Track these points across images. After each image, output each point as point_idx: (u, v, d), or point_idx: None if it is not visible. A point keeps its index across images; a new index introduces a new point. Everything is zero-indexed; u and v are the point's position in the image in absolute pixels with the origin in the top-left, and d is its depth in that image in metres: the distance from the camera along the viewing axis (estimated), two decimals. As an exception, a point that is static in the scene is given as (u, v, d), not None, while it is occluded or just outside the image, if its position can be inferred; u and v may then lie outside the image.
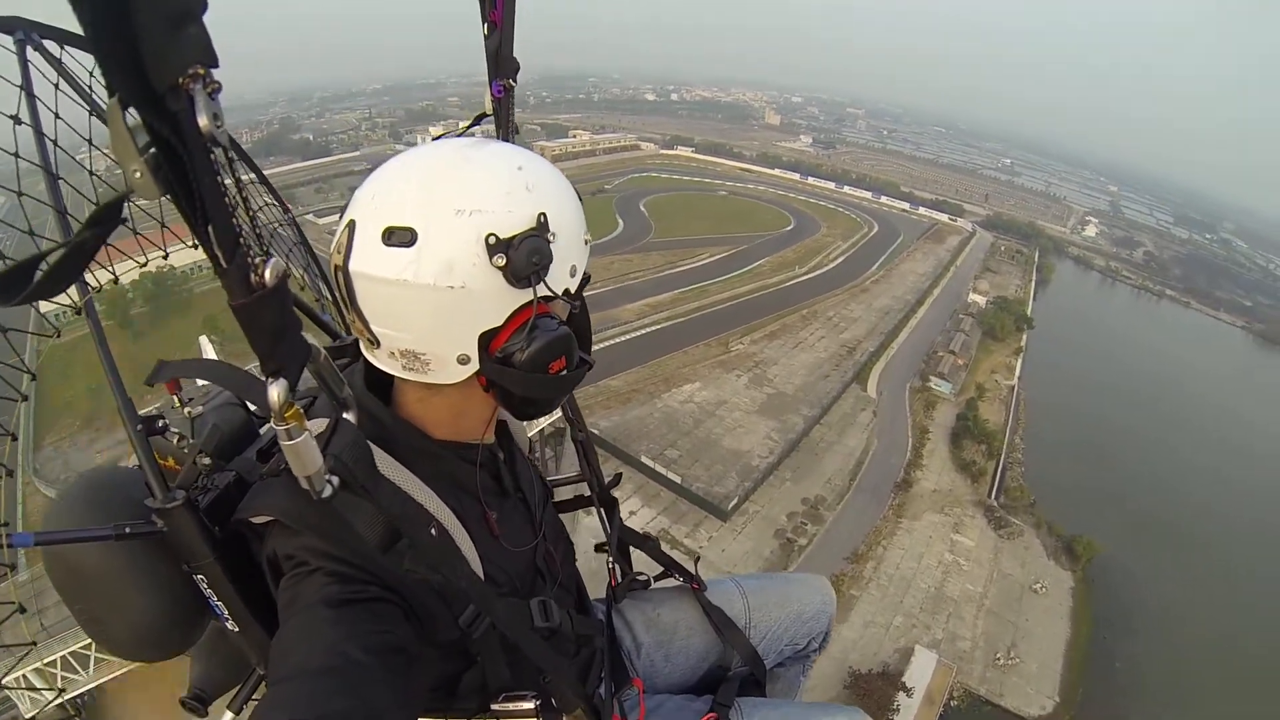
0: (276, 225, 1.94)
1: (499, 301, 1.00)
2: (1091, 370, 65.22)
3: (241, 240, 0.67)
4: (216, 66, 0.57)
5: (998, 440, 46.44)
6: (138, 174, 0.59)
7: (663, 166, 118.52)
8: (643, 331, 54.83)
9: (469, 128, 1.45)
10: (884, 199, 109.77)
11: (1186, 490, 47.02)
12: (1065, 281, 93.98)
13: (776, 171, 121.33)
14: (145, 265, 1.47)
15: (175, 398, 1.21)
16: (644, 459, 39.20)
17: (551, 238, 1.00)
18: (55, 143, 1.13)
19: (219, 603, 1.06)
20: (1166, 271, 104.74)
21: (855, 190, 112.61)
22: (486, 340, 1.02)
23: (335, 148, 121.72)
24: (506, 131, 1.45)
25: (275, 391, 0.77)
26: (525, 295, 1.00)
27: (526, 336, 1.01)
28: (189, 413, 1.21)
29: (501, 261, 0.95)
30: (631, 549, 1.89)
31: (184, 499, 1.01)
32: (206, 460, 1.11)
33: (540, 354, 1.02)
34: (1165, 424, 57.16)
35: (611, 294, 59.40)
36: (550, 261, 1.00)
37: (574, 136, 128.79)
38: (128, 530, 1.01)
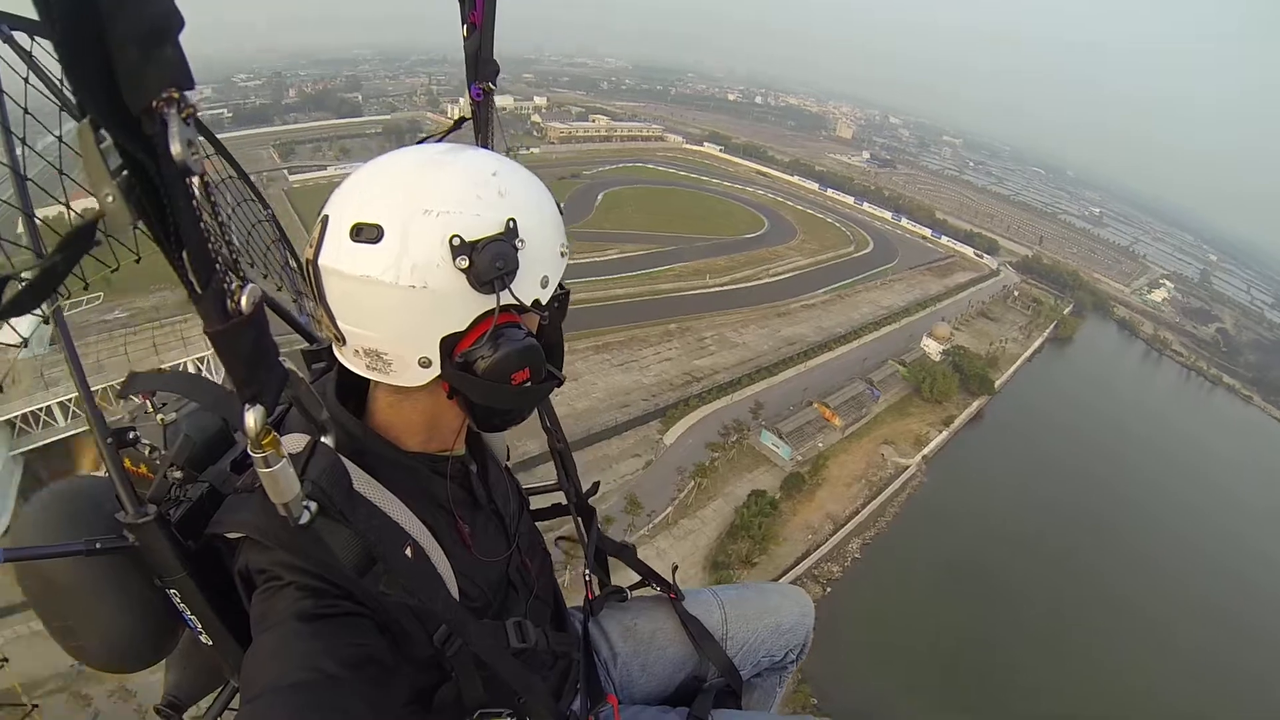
0: (256, 222, 1.86)
1: (462, 305, 0.98)
2: (1055, 470, 46.12)
3: (219, 266, 0.65)
4: (192, 88, 0.56)
5: (774, 542, 31.43)
6: (110, 199, 0.56)
7: (669, 160, 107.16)
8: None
9: (449, 132, 1.39)
10: (904, 221, 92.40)
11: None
12: (1090, 345, 72.51)
13: (795, 179, 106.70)
14: (116, 270, 1.35)
15: (149, 403, 1.20)
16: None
17: (520, 244, 0.99)
18: (24, 141, 1.04)
19: (192, 616, 1.05)
20: (1236, 356, 78.94)
21: (874, 208, 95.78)
22: (450, 345, 1.00)
23: (371, 109, 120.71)
24: (485, 135, 1.46)
25: (252, 418, 0.75)
26: (490, 301, 0.98)
27: (489, 344, 0.99)
28: (162, 419, 1.17)
29: (465, 264, 0.94)
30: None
31: (155, 513, 1.00)
32: (178, 473, 1.10)
33: (502, 363, 1.00)
34: (1129, 572, 38.43)
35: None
36: (516, 268, 0.98)
37: (593, 121, 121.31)
38: (99, 545, 1.01)
